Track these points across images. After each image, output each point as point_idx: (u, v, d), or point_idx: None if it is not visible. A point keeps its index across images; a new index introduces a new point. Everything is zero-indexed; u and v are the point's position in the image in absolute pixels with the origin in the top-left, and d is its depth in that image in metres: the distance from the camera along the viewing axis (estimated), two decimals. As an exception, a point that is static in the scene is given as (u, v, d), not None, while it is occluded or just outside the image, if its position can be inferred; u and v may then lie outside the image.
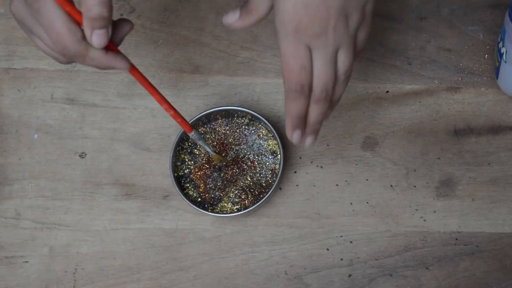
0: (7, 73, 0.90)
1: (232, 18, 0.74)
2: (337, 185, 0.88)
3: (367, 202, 0.88)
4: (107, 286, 0.86)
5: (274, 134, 0.85)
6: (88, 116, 0.89)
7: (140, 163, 0.89)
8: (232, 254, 0.87)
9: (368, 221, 0.87)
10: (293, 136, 0.75)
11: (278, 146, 0.86)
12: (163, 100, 0.75)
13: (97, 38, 0.66)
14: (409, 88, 0.90)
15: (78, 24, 0.66)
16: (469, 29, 0.91)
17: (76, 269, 0.87)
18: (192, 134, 0.80)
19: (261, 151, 0.87)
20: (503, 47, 0.83)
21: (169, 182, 0.88)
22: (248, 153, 0.86)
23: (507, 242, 0.87)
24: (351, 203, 0.88)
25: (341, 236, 0.87)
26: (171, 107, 0.76)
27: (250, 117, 0.87)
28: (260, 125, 0.87)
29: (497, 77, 0.87)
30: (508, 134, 0.89)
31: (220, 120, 0.87)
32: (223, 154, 0.86)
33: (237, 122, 0.87)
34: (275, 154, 0.86)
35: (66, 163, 0.89)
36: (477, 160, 0.88)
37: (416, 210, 0.87)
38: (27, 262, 0.87)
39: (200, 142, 0.82)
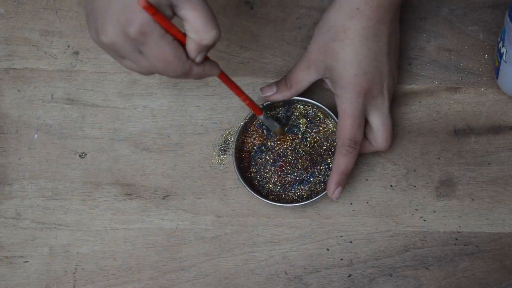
0: (7, 73, 0.90)
1: (270, 92, 0.85)
2: (337, 185, 0.88)
3: (367, 202, 0.88)
4: (107, 286, 0.86)
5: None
6: (88, 116, 0.89)
7: (140, 163, 0.89)
8: (232, 254, 0.87)
9: (368, 221, 0.87)
10: (336, 192, 0.84)
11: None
12: (240, 92, 0.79)
13: (201, 57, 0.71)
14: (409, 88, 0.90)
15: (180, 44, 0.69)
16: (469, 29, 0.91)
17: (76, 269, 0.87)
18: (261, 117, 0.83)
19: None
20: (503, 47, 0.83)
21: (169, 182, 0.88)
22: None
23: (507, 242, 0.87)
24: (351, 203, 0.88)
25: (341, 236, 0.87)
26: (247, 97, 0.80)
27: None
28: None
29: (497, 77, 0.87)
30: (508, 134, 0.89)
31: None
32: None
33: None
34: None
35: (66, 163, 0.89)
36: (477, 160, 0.88)
37: (416, 210, 0.87)
38: (27, 262, 0.87)
39: (268, 122, 0.84)
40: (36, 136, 0.89)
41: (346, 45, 0.81)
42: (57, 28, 0.91)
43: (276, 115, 0.87)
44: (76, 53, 0.90)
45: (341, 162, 0.83)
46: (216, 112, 0.89)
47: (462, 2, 0.91)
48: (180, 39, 0.69)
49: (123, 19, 0.67)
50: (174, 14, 0.69)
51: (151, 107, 0.90)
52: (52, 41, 0.90)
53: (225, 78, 0.77)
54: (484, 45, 0.91)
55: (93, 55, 0.90)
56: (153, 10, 0.65)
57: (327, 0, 0.91)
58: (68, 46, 0.90)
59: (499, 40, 0.85)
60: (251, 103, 0.81)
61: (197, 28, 0.68)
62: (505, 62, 0.84)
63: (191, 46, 0.69)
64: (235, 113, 0.89)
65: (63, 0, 0.91)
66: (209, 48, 0.70)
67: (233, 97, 0.90)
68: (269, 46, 0.91)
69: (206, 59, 0.73)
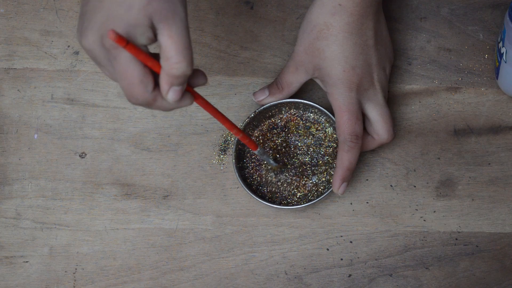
0: (7, 73, 0.90)
1: (262, 96, 0.85)
2: (337, 185, 0.88)
3: (367, 202, 0.88)
4: (107, 286, 0.86)
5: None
6: (88, 116, 0.89)
7: (140, 163, 0.89)
8: (232, 254, 0.87)
9: (368, 221, 0.87)
10: (341, 188, 0.83)
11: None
12: (230, 124, 0.75)
13: (173, 94, 0.67)
14: (409, 88, 0.90)
15: (151, 73, 0.66)
16: (469, 29, 0.91)
17: (76, 269, 0.87)
18: (257, 151, 0.82)
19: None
20: (503, 47, 0.83)
21: (169, 182, 0.88)
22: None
23: (507, 242, 0.87)
24: (351, 203, 0.88)
25: (341, 236, 0.87)
26: (239, 130, 0.77)
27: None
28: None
29: (497, 77, 0.87)
30: (508, 134, 0.89)
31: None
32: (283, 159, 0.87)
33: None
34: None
35: (66, 163, 0.89)
36: (477, 160, 0.88)
37: (416, 210, 0.87)
38: (27, 262, 0.87)
39: (264, 157, 0.84)
40: (36, 136, 0.89)
41: (331, 42, 0.81)
42: (57, 28, 0.91)
43: (275, 156, 0.87)
44: (76, 53, 0.90)
45: (344, 158, 0.82)
46: (216, 112, 0.89)
47: (462, 2, 0.91)
48: (156, 71, 0.66)
49: (103, 29, 0.66)
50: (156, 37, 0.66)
51: (151, 107, 0.90)
52: (52, 41, 0.90)
53: (211, 108, 0.72)
54: (484, 45, 0.91)
55: (93, 55, 0.90)
56: (124, 42, 0.63)
57: (327, 0, 0.91)
58: (68, 46, 0.90)
59: (499, 40, 0.85)
60: (244, 136, 0.78)
61: (169, 56, 0.65)
62: (505, 62, 0.84)
63: (162, 78, 0.66)
64: (235, 113, 0.89)
65: (63, 0, 0.91)
66: (179, 81, 0.66)
67: (233, 96, 0.90)
68: (269, 46, 0.91)
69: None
